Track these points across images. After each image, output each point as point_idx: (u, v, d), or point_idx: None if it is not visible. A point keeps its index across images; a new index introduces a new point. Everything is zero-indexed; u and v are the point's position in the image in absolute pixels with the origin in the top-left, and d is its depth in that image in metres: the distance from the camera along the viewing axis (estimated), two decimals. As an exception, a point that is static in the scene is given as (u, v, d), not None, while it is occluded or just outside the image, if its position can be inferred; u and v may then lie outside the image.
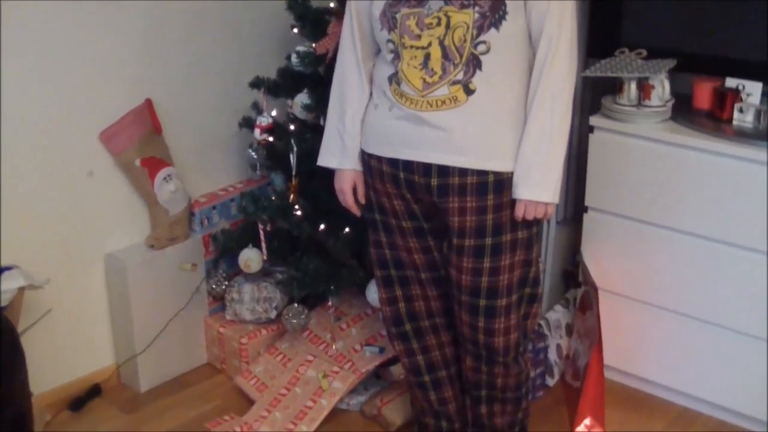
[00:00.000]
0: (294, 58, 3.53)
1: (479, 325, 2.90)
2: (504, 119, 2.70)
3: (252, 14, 3.94)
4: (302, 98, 3.51)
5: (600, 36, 3.70)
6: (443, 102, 2.67)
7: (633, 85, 3.48)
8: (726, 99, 3.44)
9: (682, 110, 3.54)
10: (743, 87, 3.42)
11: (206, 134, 3.93)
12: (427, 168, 2.74)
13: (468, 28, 2.61)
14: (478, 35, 2.61)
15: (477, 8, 2.60)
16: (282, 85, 3.63)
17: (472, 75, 2.64)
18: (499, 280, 2.84)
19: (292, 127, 3.54)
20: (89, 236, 3.64)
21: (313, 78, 3.51)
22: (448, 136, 2.69)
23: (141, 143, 3.60)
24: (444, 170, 2.72)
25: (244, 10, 3.91)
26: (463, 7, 2.61)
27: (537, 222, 2.84)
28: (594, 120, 3.57)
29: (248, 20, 3.94)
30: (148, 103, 3.64)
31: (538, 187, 2.72)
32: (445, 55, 2.64)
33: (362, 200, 3.02)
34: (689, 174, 3.38)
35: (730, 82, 3.45)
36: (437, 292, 3.06)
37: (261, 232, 3.66)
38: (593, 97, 3.82)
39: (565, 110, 2.72)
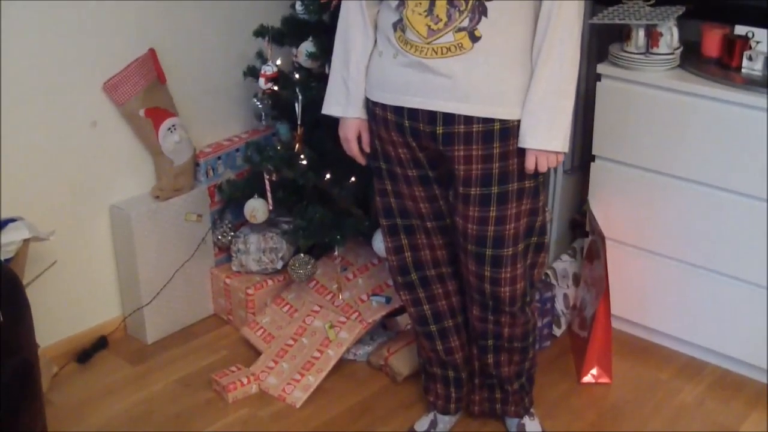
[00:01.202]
0: (298, 6, 3.50)
1: (485, 275, 2.89)
2: (510, 66, 2.67)
3: (256, -39, 3.91)
4: (307, 46, 3.48)
5: (607, -18, 3.66)
6: (448, 49, 2.64)
7: (641, 33, 3.45)
8: (735, 46, 3.41)
9: (691, 58, 3.51)
10: (753, 34, 3.39)
11: (210, 84, 3.90)
12: (432, 116, 2.71)
13: None
14: None
15: None
16: (286, 34, 3.60)
17: (478, 22, 2.60)
18: (506, 228, 2.82)
19: (297, 76, 3.51)
20: (94, 187, 3.63)
21: (318, 26, 3.48)
22: (453, 84, 2.66)
23: (145, 93, 3.58)
24: (449, 118, 2.70)
25: (248, -42, 3.88)
26: None
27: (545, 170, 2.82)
28: (601, 68, 3.54)
29: (252, -33, 3.91)
30: (152, 53, 3.62)
31: (548, 136, 2.69)
32: (450, 2, 2.61)
33: (367, 149, 3.00)
34: (697, 122, 3.36)
35: (740, 30, 3.43)
36: (443, 241, 3.04)
37: (266, 182, 3.65)
38: (600, 44, 3.78)
39: (574, 56, 2.68)
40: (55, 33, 3.37)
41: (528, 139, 2.69)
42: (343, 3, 2.92)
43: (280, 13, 3.65)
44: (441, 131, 2.72)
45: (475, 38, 2.61)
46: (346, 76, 2.90)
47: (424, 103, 2.71)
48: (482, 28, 2.60)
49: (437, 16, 2.62)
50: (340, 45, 2.92)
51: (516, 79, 2.69)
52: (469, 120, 2.68)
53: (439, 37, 2.63)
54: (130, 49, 3.58)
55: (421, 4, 2.63)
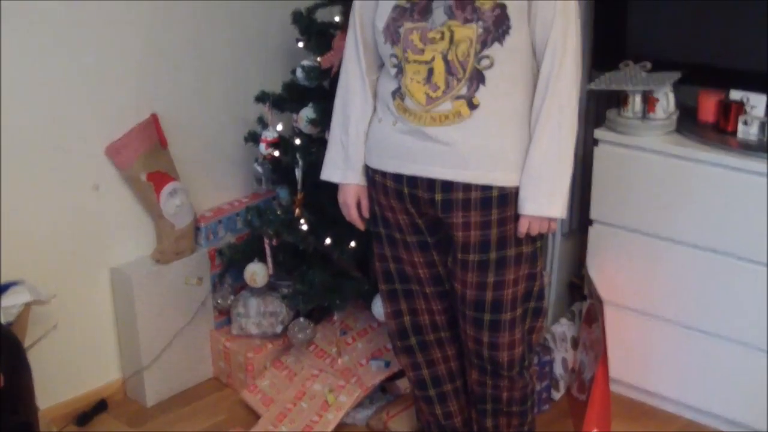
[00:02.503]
0: (299, 72, 3.54)
1: (484, 340, 2.90)
2: (508, 133, 2.70)
3: (257, 28, 3.95)
4: (307, 112, 3.51)
5: (604, 49, 3.69)
6: (447, 117, 2.67)
7: (638, 98, 3.49)
8: (730, 111, 3.44)
9: (687, 122, 3.54)
10: (748, 99, 3.42)
11: (212, 148, 3.93)
12: (431, 183, 2.74)
13: (471, 42, 2.61)
14: (481, 50, 2.61)
15: (481, 23, 2.59)
16: (287, 99, 3.63)
17: (476, 90, 2.64)
18: (504, 294, 2.83)
19: (297, 141, 3.54)
20: (95, 250, 3.65)
21: (319, 92, 3.52)
22: (452, 151, 2.68)
23: (147, 157, 3.61)
24: (448, 185, 2.72)
25: (249, 24, 3.92)
26: (466, 21, 2.61)
27: (541, 236, 2.83)
28: (599, 133, 3.57)
29: (253, 34, 3.95)
30: (154, 118, 3.65)
31: (546, 202, 2.70)
32: (449, 70, 2.64)
33: (366, 214, 3.02)
34: (694, 186, 3.38)
35: (735, 95, 3.45)
36: (442, 306, 3.05)
37: (266, 246, 3.67)
38: (598, 109, 3.82)
39: (572, 122, 2.71)
40: (57, 96, 3.40)
41: (527, 206, 2.71)
42: (342, 69, 2.95)
43: (280, 79, 3.70)
44: (440, 198, 2.75)
45: (473, 106, 2.64)
46: (346, 142, 2.92)
47: (423, 171, 2.73)
48: (480, 95, 2.64)
49: (436, 84, 2.65)
50: (340, 111, 2.95)
51: (514, 146, 2.71)
52: (467, 187, 2.71)
53: (438, 104, 2.66)
54: (133, 113, 3.61)
55: (419, 72, 2.67)
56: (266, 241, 3.65)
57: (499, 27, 2.60)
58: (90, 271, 3.66)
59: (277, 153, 3.60)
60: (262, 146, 3.62)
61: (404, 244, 2.93)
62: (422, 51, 2.66)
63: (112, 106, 3.56)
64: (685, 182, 3.40)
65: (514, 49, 2.63)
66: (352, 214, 3.02)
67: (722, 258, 3.39)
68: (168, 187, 3.66)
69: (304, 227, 3.48)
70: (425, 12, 2.66)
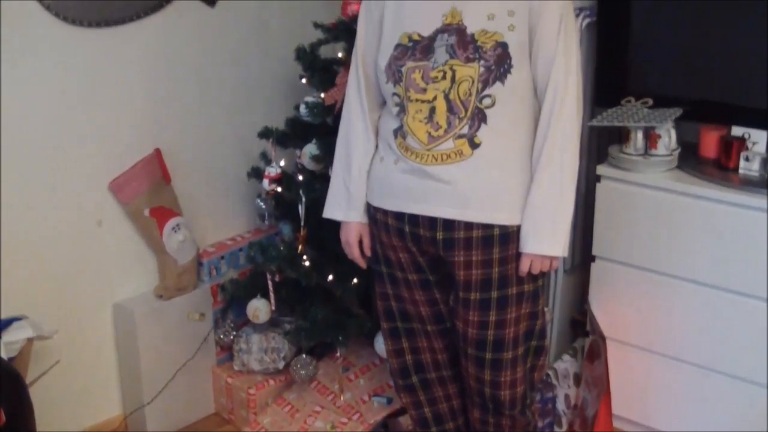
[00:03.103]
0: (302, 109, 3.55)
1: (485, 378, 2.90)
2: (510, 172, 2.70)
3: (260, 64, 3.97)
4: (311, 148, 3.53)
5: (606, 85, 3.71)
6: (448, 156, 2.67)
7: (639, 134, 3.50)
8: (732, 147, 3.44)
9: (689, 159, 3.54)
10: (749, 135, 3.43)
11: (215, 184, 3.95)
12: (432, 222, 2.74)
13: (473, 81, 2.62)
14: (483, 89, 2.62)
15: (482, 62, 2.61)
16: (290, 135, 3.65)
17: (478, 128, 2.64)
18: (506, 333, 2.83)
19: (300, 178, 3.55)
20: (98, 285, 3.65)
21: (322, 128, 3.53)
22: (454, 190, 2.69)
23: (150, 193, 3.62)
24: (449, 224, 2.73)
25: (252, 60, 3.94)
26: (468, 60, 2.62)
27: (543, 274, 2.83)
28: (601, 169, 3.57)
29: (257, 70, 3.97)
30: (158, 153, 3.66)
31: (548, 241, 2.71)
32: (450, 109, 2.65)
33: (368, 253, 3.02)
34: (696, 223, 3.38)
35: (736, 131, 3.46)
36: (444, 344, 3.05)
37: (269, 282, 3.67)
38: (600, 146, 3.83)
39: (574, 161, 2.71)
40: (61, 131, 3.41)
41: (529, 245, 2.71)
42: (344, 107, 2.96)
43: (284, 115, 3.71)
44: (441, 237, 2.75)
45: (474, 145, 2.65)
46: (348, 180, 2.93)
47: (425, 209, 2.74)
48: (482, 134, 2.65)
49: (437, 123, 2.66)
50: (342, 149, 2.96)
51: (516, 184, 2.71)
52: (469, 226, 2.71)
53: (440, 143, 2.67)
54: (136, 148, 3.62)
55: (421, 110, 2.67)
56: (269, 277, 3.65)
57: (500, 66, 2.61)
58: (93, 306, 3.66)
59: (280, 189, 3.62)
60: (266, 182, 3.63)
61: (406, 283, 2.93)
62: (424, 90, 2.67)
63: (116, 141, 3.57)
64: (687, 218, 3.40)
65: (516, 88, 2.65)
66: (354, 253, 3.02)
67: (725, 294, 3.38)
68: (171, 223, 3.67)
69: (307, 263, 3.48)
70: (427, 51, 2.67)
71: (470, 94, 2.63)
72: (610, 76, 3.69)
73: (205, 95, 3.81)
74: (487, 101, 2.63)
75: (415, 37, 2.70)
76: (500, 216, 2.72)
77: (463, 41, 2.62)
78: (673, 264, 3.47)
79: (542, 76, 2.67)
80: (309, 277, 3.49)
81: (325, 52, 3.60)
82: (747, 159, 3.40)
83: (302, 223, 3.51)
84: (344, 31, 3.47)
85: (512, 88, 2.64)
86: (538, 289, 2.88)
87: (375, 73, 2.83)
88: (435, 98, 2.66)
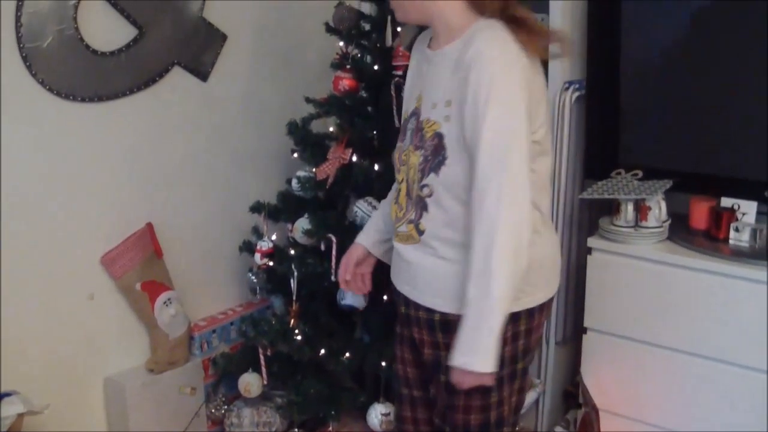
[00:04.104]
0: (294, 183, 3.57)
1: None
2: (450, 262, 2.60)
3: (253, 138, 3.99)
4: (303, 223, 3.54)
5: (596, 157, 3.74)
6: (406, 238, 2.69)
7: (630, 207, 3.52)
8: (722, 218, 3.47)
9: (679, 230, 3.56)
10: (738, 206, 3.46)
11: (207, 258, 3.95)
12: (400, 295, 2.77)
13: (416, 169, 2.59)
14: (422, 178, 2.58)
15: (422, 151, 2.57)
16: (282, 210, 3.66)
17: (420, 216, 2.62)
18: (457, 417, 2.73)
19: (292, 252, 3.56)
20: (89, 359, 3.63)
21: (314, 203, 3.55)
22: (409, 269, 2.69)
23: (142, 267, 3.62)
24: (408, 301, 2.73)
25: (244, 134, 3.97)
26: (416, 148, 2.61)
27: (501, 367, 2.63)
28: (592, 241, 3.59)
29: (249, 144, 3.99)
30: (149, 227, 3.67)
31: (467, 353, 2.46)
32: (408, 194, 2.66)
33: (362, 287, 3.01)
34: (688, 294, 3.39)
35: (726, 202, 3.49)
36: (427, 416, 2.96)
37: (261, 356, 3.66)
38: (590, 218, 3.85)
39: (503, 269, 2.42)
40: (53, 205, 3.42)
41: (453, 355, 2.49)
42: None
43: (276, 190, 3.73)
44: (403, 311, 2.77)
45: (419, 231, 2.63)
46: (376, 213, 3.01)
47: (396, 283, 2.78)
48: (424, 222, 2.61)
49: (401, 204, 2.70)
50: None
51: (454, 273, 2.58)
52: (417, 306, 2.69)
53: (401, 225, 2.70)
54: (128, 222, 3.63)
55: (398, 190, 2.73)
56: (261, 351, 3.64)
57: (435, 157, 2.54)
58: (84, 380, 3.63)
59: (272, 263, 3.62)
60: (257, 256, 3.64)
61: (400, 338, 2.91)
62: (399, 170, 2.71)
63: (108, 215, 3.58)
64: (679, 290, 3.41)
65: (450, 182, 2.53)
66: (341, 270, 2.99)
67: (718, 365, 3.38)
68: (162, 297, 3.66)
69: (299, 337, 3.47)
70: (404, 132, 2.70)
71: (415, 182, 2.61)
72: (600, 149, 3.72)
73: (197, 169, 3.82)
74: (425, 191, 2.58)
75: (405, 117, 2.74)
76: (438, 302, 2.63)
77: (417, 127, 2.61)
78: (665, 335, 3.47)
79: (472, 170, 2.47)
80: (301, 352, 3.48)
81: (316, 126, 3.63)
82: (737, 230, 3.43)
83: (294, 298, 3.51)
84: (336, 105, 3.50)
85: (446, 182, 2.53)
86: (496, 385, 2.66)
87: None
88: (404, 180, 2.67)
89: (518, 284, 2.47)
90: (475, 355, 2.44)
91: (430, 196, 2.58)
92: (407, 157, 2.64)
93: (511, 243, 2.41)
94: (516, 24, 2.52)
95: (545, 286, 2.72)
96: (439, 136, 2.53)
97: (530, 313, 2.67)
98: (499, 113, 2.41)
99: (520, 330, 2.67)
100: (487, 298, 2.42)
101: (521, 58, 2.48)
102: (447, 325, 2.62)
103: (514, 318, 2.60)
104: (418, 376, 2.94)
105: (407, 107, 2.76)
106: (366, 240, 2.98)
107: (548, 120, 2.66)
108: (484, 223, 2.42)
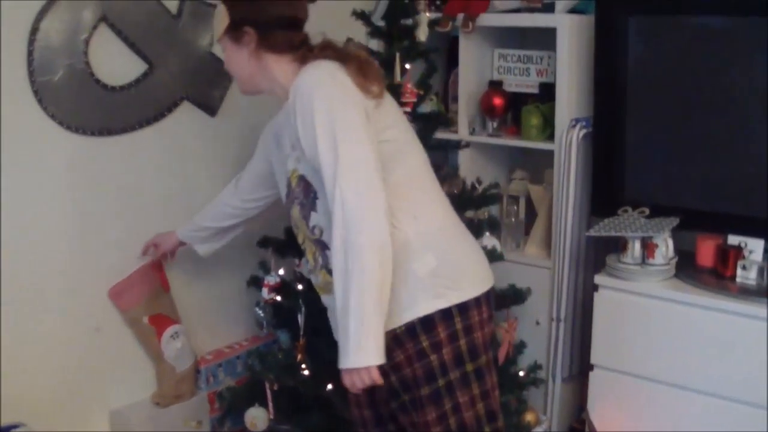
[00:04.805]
0: (301, 218, 3.58)
1: None
2: None
3: (260, 173, 4.00)
4: (310, 258, 3.54)
5: (603, 195, 3.76)
6: (322, 288, 2.79)
7: (637, 244, 3.52)
8: (729, 256, 3.48)
9: (686, 267, 3.57)
10: (745, 244, 3.47)
11: (214, 291, 3.96)
12: None
13: (300, 220, 2.74)
14: (307, 223, 2.71)
15: (296, 200, 2.72)
16: (290, 245, 3.65)
17: (327, 257, 2.69)
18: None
19: (299, 287, 3.55)
20: (95, 392, 3.63)
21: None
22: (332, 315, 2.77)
23: (149, 300, 3.62)
24: None
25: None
26: (291, 202, 2.77)
27: (408, 385, 2.72)
28: (599, 278, 3.60)
29: (256, 179, 4.00)
30: (157, 261, 3.67)
31: (342, 355, 2.54)
32: (310, 246, 2.78)
33: None
34: (694, 331, 3.39)
35: (733, 240, 3.50)
36: None
37: (267, 390, 3.65)
38: (597, 255, 3.85)
39: (361, 269, 2.47)
40: (61, 237, 3.43)
41: (340, 360, 2.56)
42: None
43: (283, 224, 3.73)
44: None
45: (330, 271, 2.64)
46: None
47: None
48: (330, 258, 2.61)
49: (308, 259, 2.83)
50: None
51: None
52: None
53: (316, 278, 2.81)
54: (136, 256, 3.64)
55: (305, 249, 2.83)
56: (267, 385, 3.64)
57: (307, 197, 2.68)
58: (90, 413, 3.63)
59: (279, 298, 3.62)
60: (264, 291, 3.63)
61: None
62: (297, 234, 2.86)
63: (115, 248, 3.59)
64: (686, 327, 3.41)
65: (328, 211, 2.55)
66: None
67: (724, 402, 3.38)
68: (169, 330, 3.66)
69: (306, 372, 3.47)
70: (285, 199, 2.91)
71: (306, 229, 2.73)
72: (607, 186, 3.74)
73: (205, 203, 3.82)
74: (316, 231, 2.70)
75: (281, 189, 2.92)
76: (390, 321, 2.63)
77: (287, 184, 2.80)
78: (672, 373, 3.47)
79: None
80: (307, 386, 3.47)
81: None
82: (744, 267, 3.43)
83: (301, 333, 3.50)
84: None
85: (326, 212, 2.60)
86: (442, 393, 2.71)
87: None
88: (303, 239, 2.81)
89: (387, 276, 2.50)
90: (347, 355, 2.49)
91: (322, 234, 2.68)
92: (293, 216, 2.78)
93: (362, 238, 2.45)
94: (341, 59, 2.66)
95: (470, 282, 2.73)
96: (301, 178, 2.67)
97: (462, 309, 2.68)
98: (325, 122, 2.51)
99: (457, 329, 2.67)
100: (347, 296, 2.48)
101: (336, 71, 2.60)
102: (412, 331, 2.65)
103: (445, 316, 2.65)
104: (373, 416, 2.96)
105: (279, 180, 2.91)
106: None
107: (400, 120, 2.77)
108: (338, 225, 2.47)
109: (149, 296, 3.63)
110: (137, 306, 3.61)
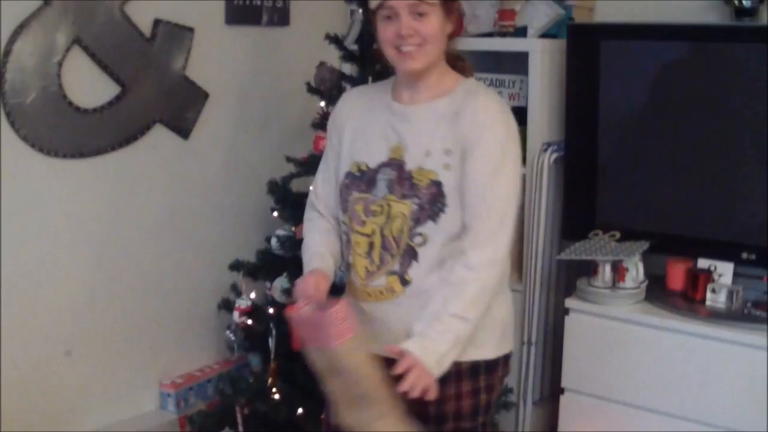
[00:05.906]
0: (274, 242, 3.57)
1: None
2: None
3: (232, 196, 4.01)
4: (282, 282, 3.53)
5: (574, 219, 3.77)
6: (381, 293, 2.63)
7: (607, 268, 3.54)
8: (699, 280, 3.49)
9: (656, 291, 3.59)
10: (715, 268, 3.49)
11: (185, 314, 3.94)
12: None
13: (405, 218, 2.57)
14: (414, 227, 2.56)
15: (416, 200, 2.56)
16: (261, 268, 3.66)
17: (408, 266, 2.58)
18: None
19: (271, 311, 3.55)
20: (69, 415, 3.60)
21: (293, 262, 3.53)
22: (387, 328, 2.61)
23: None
24: (389, 360, 2.52)
25: (224, 192, 3.98)
26: (403, 197, 2.57)
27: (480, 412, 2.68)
28: (569, 302, 3.60)
29: (229, 202, 4.00)
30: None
31: (434, 351, 2.45)
32: (384, 245, 2.60)
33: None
34: (665, 355, 3.40)
35: (702, 263, 3.52)
36: None
37: (238, 414, 3.63)
38: (568, 279, 3.86)
39: (474, 301, 2.51)
40: (33, 259, 3.41)
41: (412, 343, 2.46)
42: None
43: (255, 248, 3.73)
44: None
45: (405, 282, 2.59)
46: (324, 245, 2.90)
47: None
48: (412, 272, 2.58)
49: (373, 258, 2.63)
50: None
51: None
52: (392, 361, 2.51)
53: (375, 279, 2.63)
54: (109, 278, 3.64)
55: (360, 244, 2.66)
56: (238, 409, 3.62)
57: (433, 205, 2.55)
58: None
59: (250, 321, 3.61)
60: (236, 314, 3.63)
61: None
62: (363, 223, 2.63)
63: (88, 269, 3.59)
64: (656, 350, 3.42)
65: (449, 227, 2.55)
66: (301, 289, 2.79)
67: (694, 425, 3.37)
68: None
69: (277, 396, 3.46)
70: (371, 183, 2.64)
71: (402, 231, 2.57)
72: (578, 210, 3.75)
73: (176, 226, 3.83)
74: (418, 239, 2.57)
75: (363, 168, 2.67)
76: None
77: (401, 177, 2.59)
78: (643, 396, 3.48)
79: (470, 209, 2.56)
80: (278, 411, 3.46)
81: (297, 185, 3.64)
82: (713, 291, 3.45)
83: (272, 356, 3.50)
84: (316, 165, 3.49)
85: (445, 228, 2.56)
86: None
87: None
88: (373, 233, 2.62)
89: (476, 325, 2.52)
90: (438, 357, 2.44)
91: (422, 244, 2.57)
92: (381, 207, 2.61)
93: (493, 282, 2.53)
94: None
95: (502, 342, 2.72)
96: (437, 185, 2.55)
97: (490, 367, 2.67)
98: (510, 174, 2.57)
99: (480, 386, 2.65)
100: (465, 319, 2.48)
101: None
102: (475, 370, 2.63)
103: (473, 372, 2.63)
104: None
105: (364, 159, 2.69)
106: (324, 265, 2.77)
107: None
108: (470, 258, 2.50)
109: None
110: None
